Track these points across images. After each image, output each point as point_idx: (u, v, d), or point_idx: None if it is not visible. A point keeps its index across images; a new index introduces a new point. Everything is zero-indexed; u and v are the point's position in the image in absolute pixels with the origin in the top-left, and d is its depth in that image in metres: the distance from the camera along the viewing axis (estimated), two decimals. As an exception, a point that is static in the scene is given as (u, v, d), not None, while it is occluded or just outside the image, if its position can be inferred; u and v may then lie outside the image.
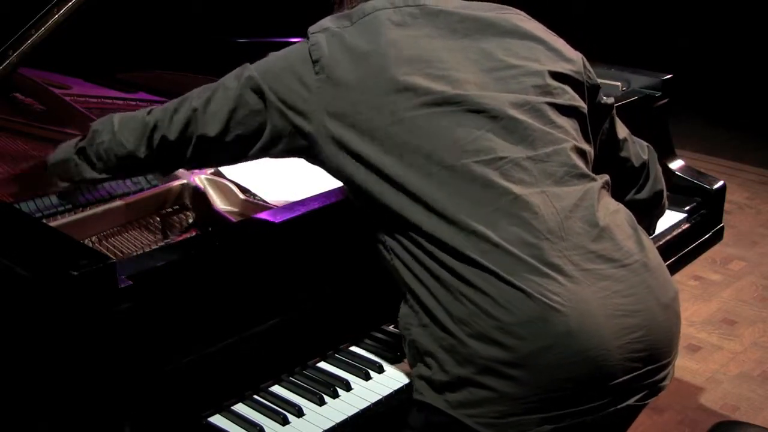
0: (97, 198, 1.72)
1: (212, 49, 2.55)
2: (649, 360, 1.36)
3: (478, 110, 1.38)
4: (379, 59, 1.39)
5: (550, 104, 1.43)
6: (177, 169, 1.69)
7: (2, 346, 1.36)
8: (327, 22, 1.46)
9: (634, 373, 1.34)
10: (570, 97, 1.47)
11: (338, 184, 1.63)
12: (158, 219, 1.75)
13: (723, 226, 2.48)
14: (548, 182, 1.37)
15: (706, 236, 2.39)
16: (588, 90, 1.53)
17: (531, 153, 1.38)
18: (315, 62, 1.40)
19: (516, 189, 1.34)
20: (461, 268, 1.32)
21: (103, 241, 1.65)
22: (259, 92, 1.42)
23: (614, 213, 1.42)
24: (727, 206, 2.79)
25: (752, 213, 4.38)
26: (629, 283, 1.35)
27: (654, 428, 2.58)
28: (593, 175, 1.45)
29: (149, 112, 1.51)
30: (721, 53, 5.78)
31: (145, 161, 1.51)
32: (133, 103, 2.34)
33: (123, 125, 1.51)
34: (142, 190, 1.74)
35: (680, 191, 2.43)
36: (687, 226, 2.31)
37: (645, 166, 1.74)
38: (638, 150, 1.73)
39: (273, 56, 1.47)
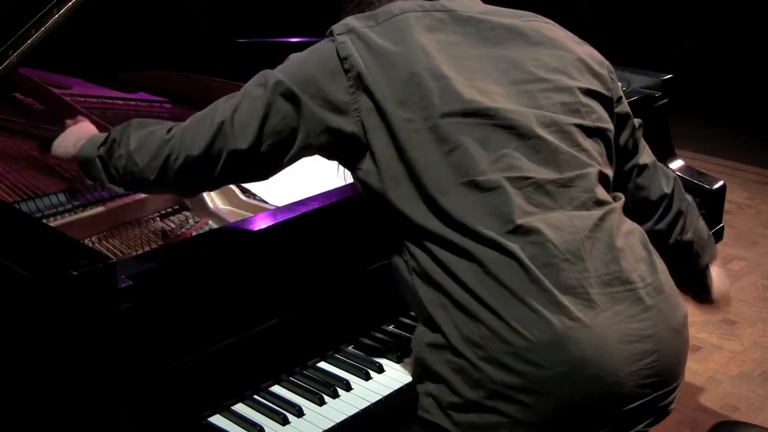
0: (97, 198, 1.72)
1: (212, 49, 2.56)
2: (659, 385, 1.34)
3: (507, 126, 1.35)
4: (407, 62, 1.35)
5: (578, 126, 1.40)
6: (203, 190, 1.60)
7: (2, 345, 1.36)
8: (351, 21, 1.41)
9: (645, 399, 1.32)
10: (597, 116, 1.44)
11: (338, 184, 1.63)
12: (158, 219, 1.75)
13: (723, 226, 2.48)
14: (569, 207, 1.35)
15: (706, 236, 2.39)
16: (614, 102, 1.51)
17: (556, 176, 1.35)
18: (343, 60, 1.35)
19: (537, 211, 1.32)
20: (478, 287, 1.29)
21: (103, 241, 1.65)
22: (290, 96, 1.36)
23: (628, 234, 1.39)
24: (727, 206, 2.79)
25: (752, 213, 4.38)
26: (642, 307, 1.33)
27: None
28: (612, 199, 1.42)
29: (169, 130, 1.42)
30: (722, 54, 5.78)
31: (164, 183, 1.43)
32: (133, 103, 2.34)
33: (140, 144, 1.42)
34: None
35: (680, 191, 2.43)
36: (687, 226, 2.31)
37: (665, 198, 1.63)
38: (661, 182, 1.62)
39: (296, 59, 1.41)
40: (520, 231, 1.30)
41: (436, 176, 1.33)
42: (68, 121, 1.72)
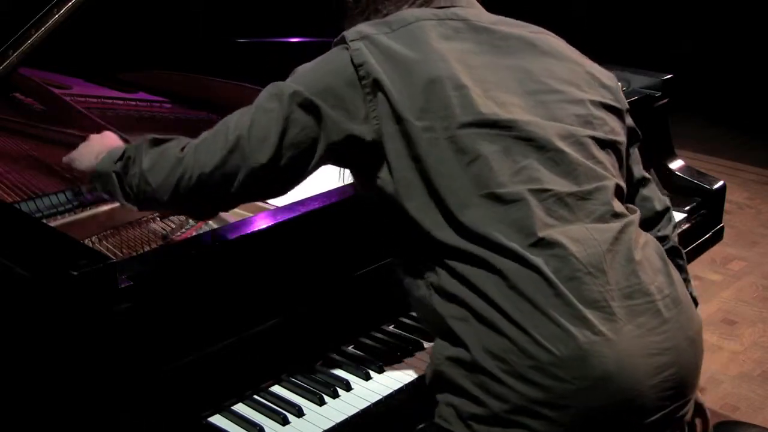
0: (97, 198, 1.72)
1: (212, 49, 2.56)
2: (677, 397, 1.34)
3: (526, 138, 1.34)
4: (426, 70, 1.33)
5: (592, 138, 1.40)
6: (218, 209, 1.54)
7: (2, 345, 1.36)
8: (364, 28, 1.38)
9: (665, 411, 1.32)
10: (610, 129, 1.44)
11: (338, 184, 1.63)
12: (158, 219, 1.75)
13: (723, 226, 2.48)
14: (587, 220, 1.34)
15: (706, 236, 2.39)
16: (624, 114, 1.50)
17: (575, 188, 1.35)
18: (359, 67, 1.33)
19: (557, 224, 1.31)
20: (501, 300, 1.28)
21: (103, 241, 1.65)
22: (308, 107, 1.33)
23: (645, 246, 1.39)
24: (727, 206, 2.79)
25: (752, 213, 4.38)
26: (661, 319, 1.33)
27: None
28: (627, 211, 1.41)
29: (182, 148, 1.37)
30: (722, 54, 5.78)
31: (178, 204, 1.41)
32: (133, 103, 2.34)
33: (153, 163, 1.38)
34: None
35: (680, 191, 2.43)
36: (687, 226, 2.31)
37: (668, 210, 1.62)
38: (660, 194, 1.63)
39: (308, 69, 1.38)
40: (542, 244, 1.29)
41: (454, 187, 1.31)
42: (93, 135, 1.66)
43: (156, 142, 1.42)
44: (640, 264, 1.34)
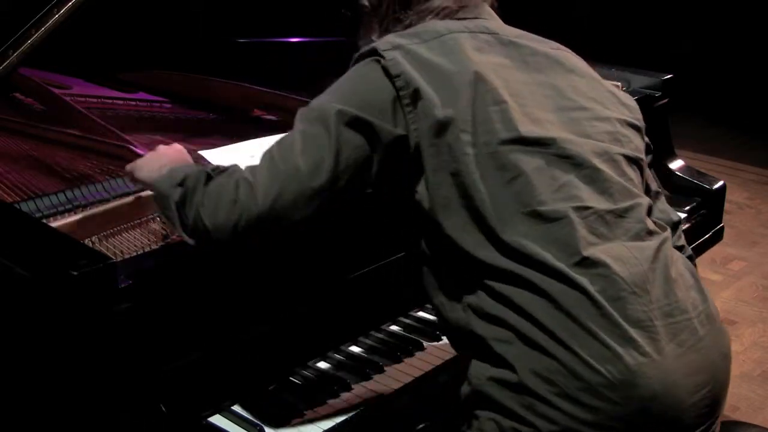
0: (97, 198, 1.72)
1: (212, 49, 2.56)
2: (711, 414, 1.34)
3: (565, 156, 1.33)
4: (466, 83, 1.32)
5: (623, 155, 1.40)
6: (278, 243, 1.42)
7: (2, 345, 1.36)
8: (395, 39, 1.36)
9: (701, 428, 1.32)
10: (635, 146, 1.44)
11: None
12: (158, 219, 1.74)
13: (723, 226, 2.49)
14: (624, 238, 1.33)
15: (706, 236, 2.40)
16: (643, 132, 1.50)
17: (612, 206, 1.34)
18: (396, 78, 1.30)
19: (598, 242, 1.30)
20: (548, 321, 1.26)
21: (103, 241, 1.64)
22: (356, 124, 1.29)
23: (676, 262, 1.38)
24: (727, 206, 2.80)
25: (752, 213, 4.39)
26: (698, 336, 1.32)
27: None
28: (659, 229, 1.40)
29: (237, 185, 1.29)
30: (722, 54, 5.78)
31: (237, 243, 1.32)
32: (133, 103, 2.34)
33: (210, 203, 1.30)
34: (142, 189, 1.74)
35: (680, 191, 2.43)
36: (687, 226, 2.31)
37: (681, 220, 1.60)
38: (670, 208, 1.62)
39: (343, 87, 1.35)
40: (586, 263, 1.28)
41: (495, 205, 1.29)
42: (161, 145, 1.59)
43: (210, 176, 1.34)
44: (675, 281, 1.34)
